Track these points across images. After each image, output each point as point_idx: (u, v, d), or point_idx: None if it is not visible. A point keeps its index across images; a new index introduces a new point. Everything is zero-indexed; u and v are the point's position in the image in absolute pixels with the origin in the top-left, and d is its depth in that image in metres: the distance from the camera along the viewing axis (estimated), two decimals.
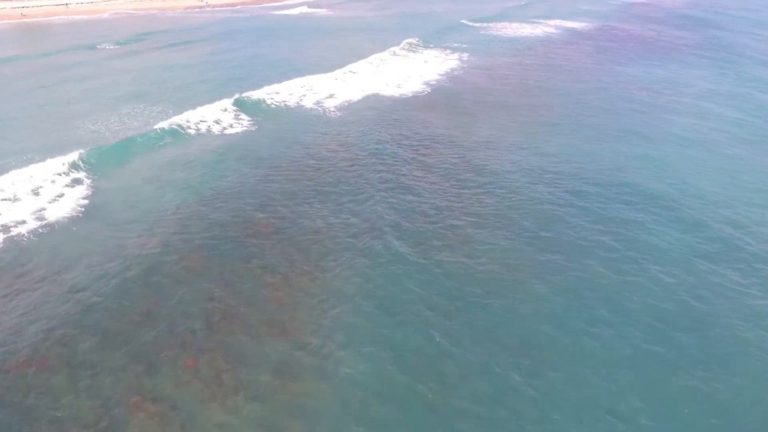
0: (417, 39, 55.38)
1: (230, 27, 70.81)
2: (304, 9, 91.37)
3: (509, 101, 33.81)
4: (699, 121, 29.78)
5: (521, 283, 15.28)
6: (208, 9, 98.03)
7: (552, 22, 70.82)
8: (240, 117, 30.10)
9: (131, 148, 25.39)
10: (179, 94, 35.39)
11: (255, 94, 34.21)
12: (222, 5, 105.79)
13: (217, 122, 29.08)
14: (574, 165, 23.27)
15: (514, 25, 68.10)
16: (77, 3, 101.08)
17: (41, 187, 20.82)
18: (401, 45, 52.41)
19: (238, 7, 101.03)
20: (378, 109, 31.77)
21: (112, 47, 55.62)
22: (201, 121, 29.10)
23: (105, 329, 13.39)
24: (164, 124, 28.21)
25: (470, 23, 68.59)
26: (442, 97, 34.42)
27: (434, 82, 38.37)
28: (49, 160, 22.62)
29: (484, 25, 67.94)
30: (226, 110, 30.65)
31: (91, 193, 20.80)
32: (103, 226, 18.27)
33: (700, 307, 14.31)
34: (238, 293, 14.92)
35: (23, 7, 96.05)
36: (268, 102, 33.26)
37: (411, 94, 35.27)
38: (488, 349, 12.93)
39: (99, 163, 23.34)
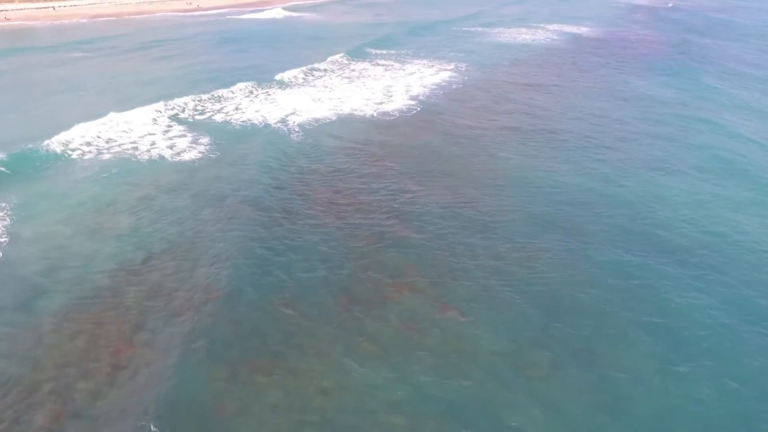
0: (403, 46, 52.28)
1: (205, 30, 67.15)
2: (286, 13, 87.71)
3: (511, 125, 29.73)
4: (732, 152, 26.23)
5: (531, 385, 12.19)
6: (197, 13, 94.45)
7: (551, 27, 67.70)
8: (199, 140, 26.63)
9: (64, 181, 22.23)
10: (127, 106, 31.18)
11: (218, 114, 30.83)
12: (211, 8, 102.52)
13: (171, 147, 25.71)
14: (603, 221, 19.20)
15: (512, 30, 64.81)
16: (60, 6, 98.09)
17: None
18: (384, 52, 49.12)
19: (226, 9, 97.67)
20: (355, 136, 27.58)
21: (63, 53, 52.20)
22: (153, 146, 25.85)
23: None
24: (108, 150, 25.22)
25: (464, 29, 65.36)
26: (432, 120, 30.40)
27: (423, 98, 34.53)
28: None
29: (479, 29, 64.68)
30: (184, 135, 27.36)
31: (6, 241, 17.53)
32: (15, 297, 15.01)
33: None
34: (171, 401, 11.75)
35: (4, 11, 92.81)
36: (232, 122, 29.81)
37: (396, 114, 31.30)
38: None
39: (18, 196, 20.24)
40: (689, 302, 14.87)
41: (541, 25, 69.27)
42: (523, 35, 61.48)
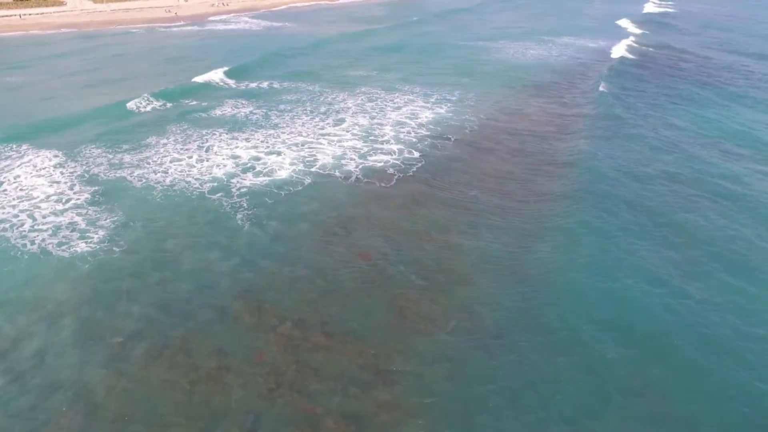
0: (390, 66, 44.94)
1: (173, 40, 59.42)
2: (265, 23, 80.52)
3: (544, 198, 21.45)
4: None
5: None
6: (163, 25, 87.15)
7: (560, 41, 60.38)
8: (108, 218, 19.25)
9: None
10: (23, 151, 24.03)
11: (137, 170, 22.90)
12: (191, 16, 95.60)
13: (61, 238, 17.91)
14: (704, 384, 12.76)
15: (517, 44, 57.45)
16: (26, 14, 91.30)
17: None
18: (365, 74, 41.55)
19: (214, 17, 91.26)
20: (331, 214, 19.75)
21: None
22: (36, 228, 18.51)
23: None
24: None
25: (462, 43, 57.97)
26: (438, 184, 22.40)
27: (424, 147, 26.26)
28: None
29: (479, 44, 57.26)
30: (84, 210, 19.90)
31: None
32: None
33: None
34: None
35: None
36: (156, 185, 21.69)
37: (391, 174, 23.14)
38: None
39: None
40: None
41: (551, 38, 61.93)
42: (532, 50, 54.14)
